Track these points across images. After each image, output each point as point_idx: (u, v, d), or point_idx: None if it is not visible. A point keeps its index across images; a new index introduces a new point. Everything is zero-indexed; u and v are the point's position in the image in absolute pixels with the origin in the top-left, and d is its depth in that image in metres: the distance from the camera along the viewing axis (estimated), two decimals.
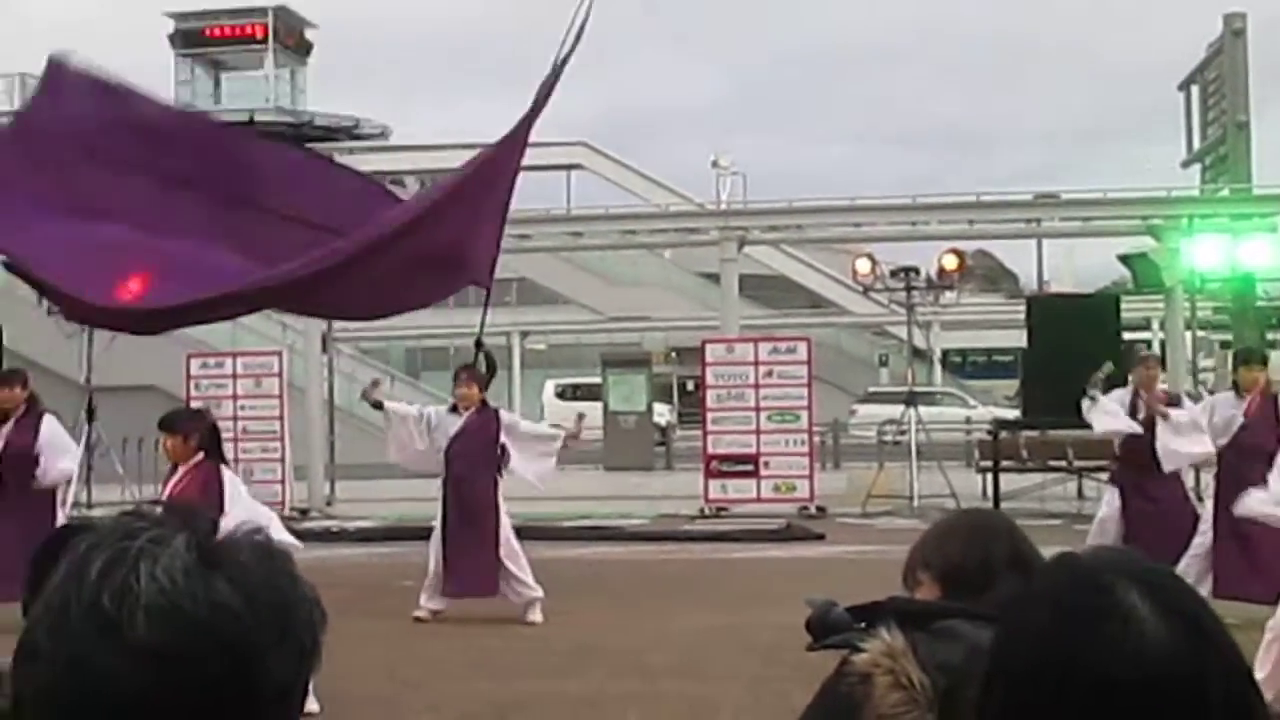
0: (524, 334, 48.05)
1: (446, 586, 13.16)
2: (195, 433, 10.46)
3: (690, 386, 49.39)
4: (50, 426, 13.25)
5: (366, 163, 54.95)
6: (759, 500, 22.44)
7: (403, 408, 13.86)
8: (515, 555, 13.20)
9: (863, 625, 2.72)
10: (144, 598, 1.42)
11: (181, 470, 10.23)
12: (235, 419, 23.56)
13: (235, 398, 23.69)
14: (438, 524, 13.40)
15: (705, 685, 10.66)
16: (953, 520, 3.19)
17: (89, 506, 24.03)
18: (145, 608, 1.42)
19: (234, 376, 24.22)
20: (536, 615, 13.10)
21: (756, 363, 22.93)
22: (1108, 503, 13.48)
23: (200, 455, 10.25)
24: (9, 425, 13.09)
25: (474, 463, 13.22)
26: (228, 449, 21.68)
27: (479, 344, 14.84)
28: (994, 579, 2.91)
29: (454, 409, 13.52)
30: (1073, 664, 1.61)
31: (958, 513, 3.36)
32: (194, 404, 23.71)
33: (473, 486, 13.20)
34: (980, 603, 2.78)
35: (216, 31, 56.53)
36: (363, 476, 26.23)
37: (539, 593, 13.14)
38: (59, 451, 13.19)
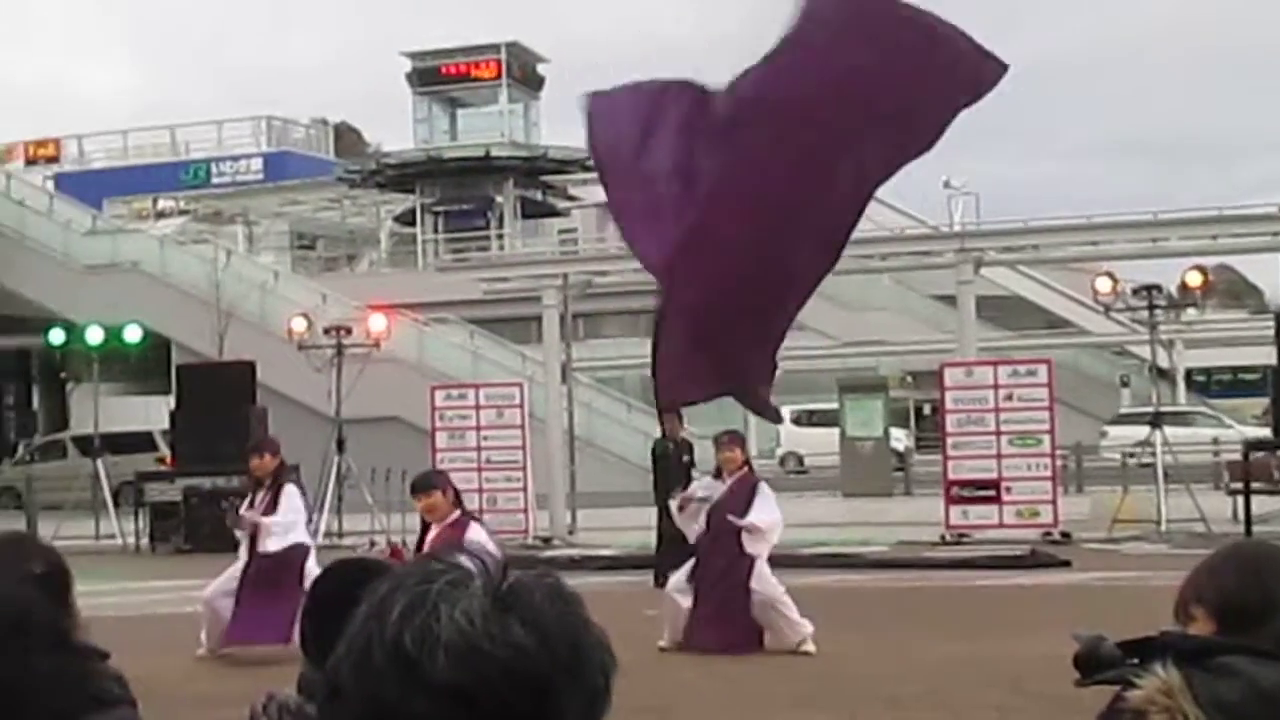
0: None
1: (694, 637, 13.26)
2: (450, 488, 10.80)
3: (927, 410, 48.84)
4: (288, 500, 13.78)
5: (599, 194, 55.70)
6: (1001, 526, 22.10)
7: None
8: (779, 600, 13.23)
9: (1135, 661, 2.67)
10: (444, 638, 1.47)
11: (438, 528, 10.54)
12: (479, 449, 24.03)
13: (478, 428, 24.12)
14: (686, 569, 13.52)
15: (953, 716, 10.52)
16: (1227, 553, 3.11)
17: (340, 536, 24.71)
18: (445, 648, 1.46)
19: (477, 408, 24.65)
20: (810, 646, 13.08)
21: (996, 386, 22.59)
22: None
23: (457, 511, 10.61)
24: (264, 492, 13.65)
25: (730, 527, 13.28)
26: (471, 478, 22.57)
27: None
28: (1276, 614, 2.83)
29: (718, 474, 13.65)
30: None
31: (1231, 545, 3.27)
32: (438, 435, 24.26)
33: (727, 551, 13.28)
34: (1259, 638, 2.72)
35: (452, 69, 57.79)
36: (603, 505, 26.48)
37: (810, 627, 13.14)
38: (286, 526, 13.69)
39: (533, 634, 1.49)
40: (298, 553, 13.50)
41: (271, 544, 13.43)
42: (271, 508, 13.59)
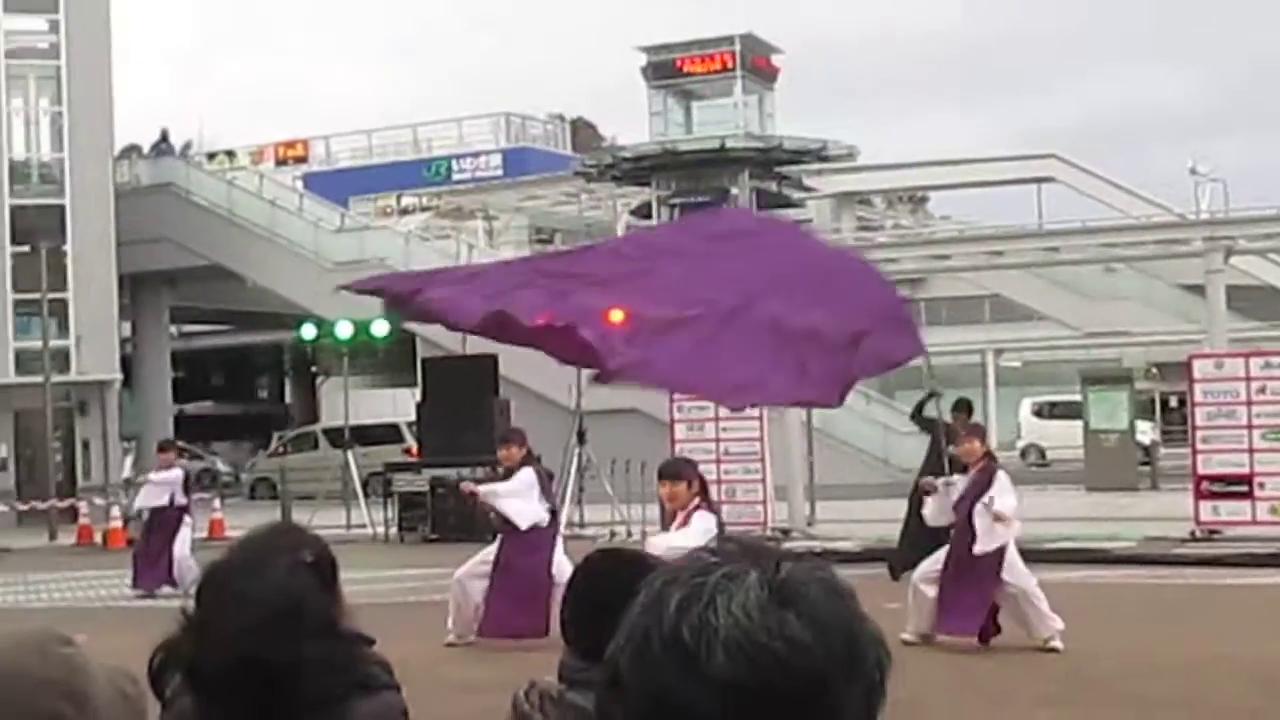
0: (998, 351, 47.34)
1: (938, 623, 13.24)
2: (695, 478, 10.81)
3: (1174, 403, 47.54)
4: (522, 477, 13.98)
5: (834, 184, 55.59)
6: (1254, 523, 21.39)
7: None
8: (1032, 592, 13.12)
9: None
10: (721, 632, 1.48)
11: (682, 516, 10.57)
12: (717, 440, 24.07)
13: (717, 420, 24.09)
14: (934, 561, 13.52)
15: (1203, 719, 10.25)
16: None
17: (581, 526, 25.00)
18: (723, 642, 1.48)
19: None
20: (1058, 643, 12.92)
21: (1248, 378, 21.87)
22: None
23: (697, 500, 10.59)
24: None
25: (971, 515, 13.21)
26: (710, 470, 22.63)
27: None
28: None
29: (964, 467, 13.60)
30: None
31: None
32: (677, 427, 24.35)
33: (970, 540, 13.20)
34: None
35: (687, 62, 57.99)
36: (842, 496, 26.35)
37: (1060, 623, 12.98)
38: (512, 496, 13.90)
39: (809, 628, 1.49)
40: (545, 542, 13.74)
41: (506, 507, 13.71)
42: None
